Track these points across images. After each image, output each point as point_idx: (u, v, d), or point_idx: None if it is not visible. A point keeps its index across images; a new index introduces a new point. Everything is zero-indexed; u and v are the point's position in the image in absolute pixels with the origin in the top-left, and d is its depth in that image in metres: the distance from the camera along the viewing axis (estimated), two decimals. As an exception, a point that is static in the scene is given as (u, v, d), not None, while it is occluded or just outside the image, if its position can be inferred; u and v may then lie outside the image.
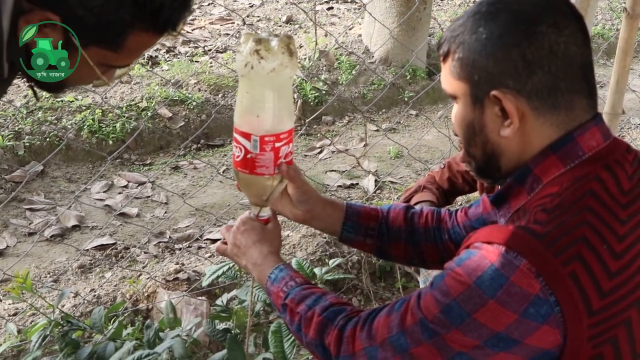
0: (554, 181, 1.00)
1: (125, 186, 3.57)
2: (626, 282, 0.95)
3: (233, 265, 1.72)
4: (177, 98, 4.17)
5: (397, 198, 3.29)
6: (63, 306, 2.21)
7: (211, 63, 4.71)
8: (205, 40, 5.37)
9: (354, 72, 4.83)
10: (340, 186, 3.59)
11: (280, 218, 1.36)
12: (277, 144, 1.21)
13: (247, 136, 1.20)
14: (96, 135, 3.82)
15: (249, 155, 1.21)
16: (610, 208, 0.97)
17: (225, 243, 1.32)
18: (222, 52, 5.09)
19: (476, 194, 2.19)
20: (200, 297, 2.31)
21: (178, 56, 5.02)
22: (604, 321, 0.94)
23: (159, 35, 1.07)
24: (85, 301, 2.30)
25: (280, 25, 5.84)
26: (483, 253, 0.96)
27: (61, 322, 1.66)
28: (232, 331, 1.69)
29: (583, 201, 0.96)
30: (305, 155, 4.02)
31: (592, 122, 1.02)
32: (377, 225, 1.39)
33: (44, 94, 3.87)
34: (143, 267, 2.71)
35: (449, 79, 1.07)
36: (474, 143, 1.08)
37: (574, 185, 0.98)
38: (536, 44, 0.98)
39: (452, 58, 1.04)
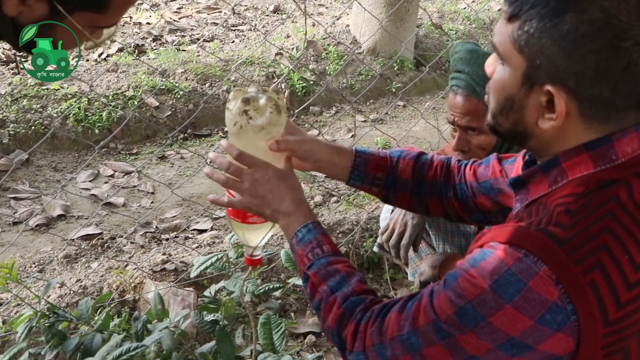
0: (580, 180, 0.96)
1: (112, 175, 3.54)
2: None
3: (221, 257, 1.71)
4: (164, 87, 4.14)
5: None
6: (49, 297, 2.19)
7: (198, 52, 4.68)
8: (192, 29, 5.32)
9: (342, 62, 4.81)
10: (327, 176, 3.58)
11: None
12: None
13: None
14: (82, 124, 3.78)
15: None
16: (634, 217, 0.93)
17: (233, 196, 1.23)
18: (209, 41, 5.05)
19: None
20: (187, 288, 2.30)
21: (165, 45, 4.97)
22: (618, 331, 0.92)
23: None
24: (71, 292, 2.28)
25: (267, 15, 5.80)
26: (499, 255, 0.93)
27: (47, 313, 1.64)
28: (221, 323, 1.68)
29: (607, 207, 0.93)
30: (293, 146, 4.00)
31: (633, 128, 0.97)
32: (384, 176, 1.37)
33: (30, 81, 3.83)
34: (130, 258, 2.69)
35: (507, 41, 0.97)
36: (507, 116, 1.02)
37: (600, 190, 0.94)
38: (615, 59, 0.90)
39: (520, 25, 0.94)
